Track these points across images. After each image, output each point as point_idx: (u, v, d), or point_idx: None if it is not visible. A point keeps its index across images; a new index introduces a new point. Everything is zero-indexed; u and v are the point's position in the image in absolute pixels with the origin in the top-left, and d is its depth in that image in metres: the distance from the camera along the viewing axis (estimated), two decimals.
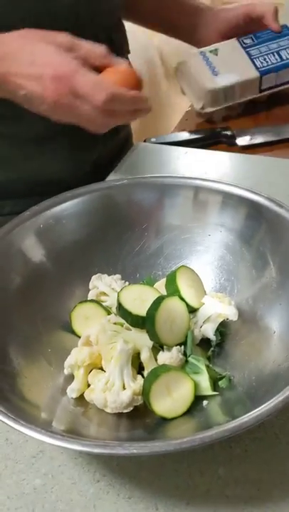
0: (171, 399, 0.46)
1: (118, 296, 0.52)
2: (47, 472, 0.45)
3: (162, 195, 0.59)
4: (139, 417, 0.47)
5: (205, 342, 0.53)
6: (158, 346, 0.51)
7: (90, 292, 0.57)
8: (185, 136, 0.87)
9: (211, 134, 0.88)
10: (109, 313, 0.54)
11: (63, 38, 0.60)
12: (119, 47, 0.82)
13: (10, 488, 0.44)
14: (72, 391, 0.49)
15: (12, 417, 0.41)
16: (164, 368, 0.48)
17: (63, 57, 0.58)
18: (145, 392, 0.47)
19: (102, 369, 0.50)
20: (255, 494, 0.43)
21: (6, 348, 0.48)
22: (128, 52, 0.89)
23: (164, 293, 0.54)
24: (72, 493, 0.44)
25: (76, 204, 0.58)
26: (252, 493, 0.43)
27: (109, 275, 0.57)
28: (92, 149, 0.83)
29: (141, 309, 0.51)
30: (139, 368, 0.50)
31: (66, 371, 0.51)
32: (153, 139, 0.86)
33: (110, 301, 0.56)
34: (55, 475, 0.45)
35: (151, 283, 0.57)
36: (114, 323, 0.52)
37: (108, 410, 0.47)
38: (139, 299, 0.52)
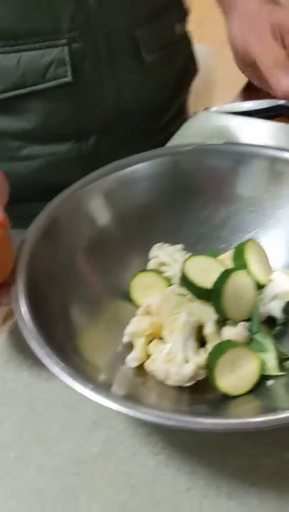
0: (235, 376, 0.44)
1: (183, 266, 0.50)
2: (105, 441, 0.44)
3: (234, 164, 0.55)
4: (200, 391, 0.45)
5: (269, 320, 0.50)
6: (221, 321, 0.49)
7: (151, 261, 0.55)
8: (247, 106, 0.83)
9: (273, 106, 0.84)
10: (169, 283, 0.52)
11: None
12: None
13: (68, 453, 0.43)
14: (133, 360, 0.47)
15: (75, 379, 0.39)
16: (231, 344, 0.46)
17: None
18: (210, 366, 0.45)
19: (162, 339, 0.48)
20: None
21: (69, 310, 0.47)
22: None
23: (229, 267, 0.51)
24: (130, 465, 0.42)
25: (143, 168, 0.55)
26: None
27: (171, 245, 0.55)
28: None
29: (206, 281, 0.49)
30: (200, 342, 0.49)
31: (125, 339, 0.49)
32: (213, 108, 0.82)
33: (171, 272, 0.54)
34: (113, 444, 0.44)
35: (214, 256, 0.55)
36: (177, 294, 0.50)
37: (170, 383, 0.45)
38: (204, 270, 0.50)
